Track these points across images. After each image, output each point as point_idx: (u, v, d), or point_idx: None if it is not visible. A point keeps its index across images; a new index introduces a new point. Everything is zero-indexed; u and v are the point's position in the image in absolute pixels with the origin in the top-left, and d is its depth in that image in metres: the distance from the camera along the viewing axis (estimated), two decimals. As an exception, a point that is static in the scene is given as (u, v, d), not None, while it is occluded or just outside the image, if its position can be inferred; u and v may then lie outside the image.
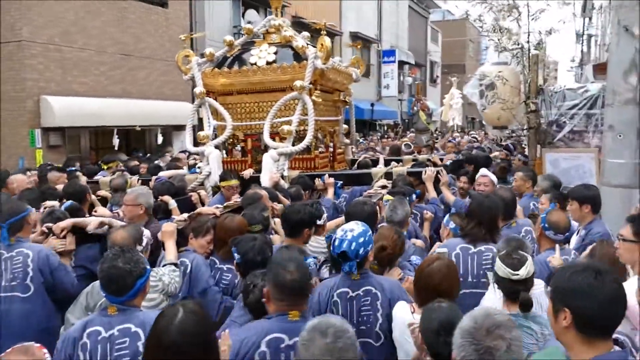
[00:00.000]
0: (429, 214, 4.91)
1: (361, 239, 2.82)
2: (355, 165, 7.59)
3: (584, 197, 4.47)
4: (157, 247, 3.68)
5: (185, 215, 3.89)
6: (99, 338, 2.46)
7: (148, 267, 2.64)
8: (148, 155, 11.74)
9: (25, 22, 10.99)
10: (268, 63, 6.36)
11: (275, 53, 6.48)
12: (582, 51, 26.07)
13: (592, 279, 1.79)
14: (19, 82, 11.07)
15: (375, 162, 7.53)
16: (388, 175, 5.77)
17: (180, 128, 15.21)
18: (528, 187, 5.69)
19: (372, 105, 25.25)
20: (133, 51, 13.58)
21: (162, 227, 3.60)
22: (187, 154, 10.05)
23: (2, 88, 11.20)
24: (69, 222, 3.75)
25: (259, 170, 6.02)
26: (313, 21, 7.52)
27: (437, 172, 5.57)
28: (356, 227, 2.89)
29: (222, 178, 5.69)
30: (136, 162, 9.02)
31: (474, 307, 2.18)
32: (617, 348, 1.84)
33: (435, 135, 18.83)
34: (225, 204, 4.50)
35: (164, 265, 3.28)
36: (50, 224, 3.74)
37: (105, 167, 9.07)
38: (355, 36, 24.59)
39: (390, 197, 4.46)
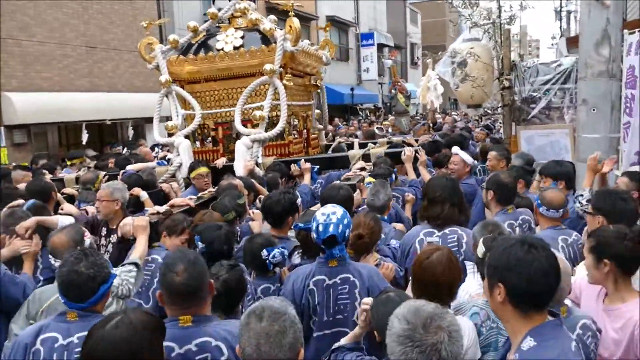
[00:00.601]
0: (410, 196, 4.79)
1: (345, 221, 2.75)
2: (330, 150, 7.42)
3: (557, 174, 4.45)
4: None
5: (159, 208, 3.74)
6: (55, 345, 2.25)
7: (112, 271, 2.46)
8: (124, 148, 11.32)
9: (-20, 16, 10.55)
10: (235, 48, 6.17)
11: (242, 37, 6.29)
12: (561, 27, 25.97)
13: (523, 253, 1.78)
14: (-24, 79, 10.65)
15: (350, 147, 7.32)
16: (366, 157, 5.66)
17: (152, 120, 14.88)
18: (502, 166, 5.47)
19: (352, 89, 24.95)
20: (99, 43, 13.17)
21: (135, 221, 3.39)
22: (157, 147, 9.86)
23: (-41, 86, 10.79)
24: (32, 221, 3.53)
25: (232, 159, 5.84)
26: (278, 1, 7.23)
27: (416, 152, 5.44)
28: (337, 209, 2.79)
29: (191, 168, 5.46)
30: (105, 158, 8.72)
31: None
32: (550, 318, 1.82)
33: (418, 117, 18.64)
34: (199, 195, 4.38)
35: (123, 264, 3.03)
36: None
37: (69, 163, 8.76)
38: (332, 19, 24.19)
39: (371, 179, 4.38)
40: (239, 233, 3.81)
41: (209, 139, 6.57)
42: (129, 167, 6.16)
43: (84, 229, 3.36)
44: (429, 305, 1.74)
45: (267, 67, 5.81)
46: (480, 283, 2.56)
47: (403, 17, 35.65)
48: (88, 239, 3.27)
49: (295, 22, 6.01)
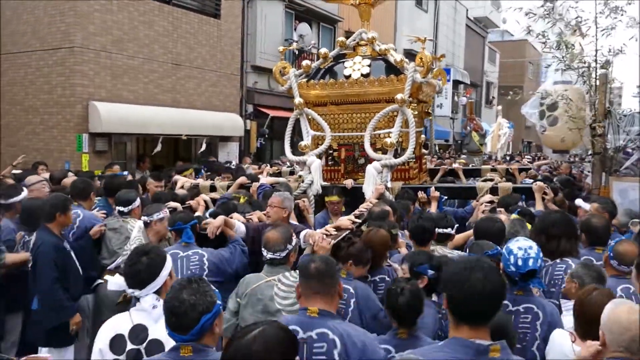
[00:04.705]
0: None
1: (540, 254, 2.96)
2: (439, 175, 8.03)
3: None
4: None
5: (332, 230, 3.86)
6: None
7: (219, 302, 2.25)
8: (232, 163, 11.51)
9: (79, 28, 11.11)
10: (363, 75, 6.57)
11: (369, 65, 6.65)
12: (650, 76, 24.68)
13: (462, 271, 2.05)
14: (69, 87, 11.18)
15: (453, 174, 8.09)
16: (493, 190, 5.95)
17: (226, 139, 15.18)
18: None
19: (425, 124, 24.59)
20: (184, 61, 13.59)
21: (316, 241, 3.59)
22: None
23: (52, 93, 11.37)
24: (220, 220, 4.07)
25: (354, 179, 6.39)
26: (410, 36, 7.60)
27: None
28: (532, 244, 2.99)
29: (326, 192, 5.96)
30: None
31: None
32: (482, 342, 1.99)
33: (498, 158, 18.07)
34: (354, 217, 4.47)
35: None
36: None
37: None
38: (408, 54, 24.12)
39: (516, 216, 4.58)
40: (389, 258, 4.02)
41: (330, 158, 6.96)
42: (263, 181, 6.47)
43: (292, 230, 3.66)
44: None
45: (399, 96, 6.15)
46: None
47: (481, 55, 35.13)
48: (295, 239, 3.56)
49: (427, 55, 6.34)
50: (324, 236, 3.63)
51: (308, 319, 2.48)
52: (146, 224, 4.34)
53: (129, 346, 2.50)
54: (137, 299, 2.62)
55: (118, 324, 2.60)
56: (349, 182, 6.21)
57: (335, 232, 3.79)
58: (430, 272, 3.14)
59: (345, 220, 4.15)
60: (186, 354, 2.11)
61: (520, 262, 2.85)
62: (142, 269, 2.60)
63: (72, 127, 11.21)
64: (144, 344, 2.50)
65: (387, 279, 3.64)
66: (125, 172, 8.48)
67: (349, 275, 3.39)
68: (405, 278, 2.88)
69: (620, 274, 3.48)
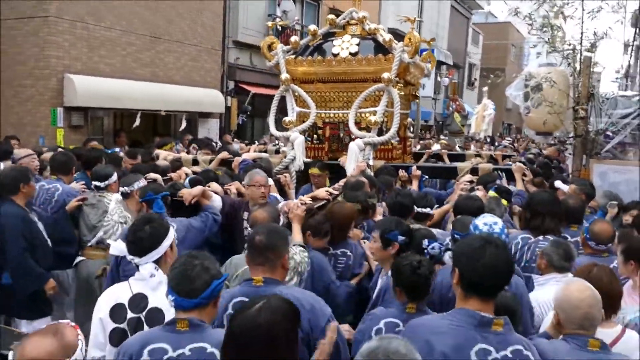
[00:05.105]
0: (517, 209, 4.90)
1: (505, 230, 3.07)
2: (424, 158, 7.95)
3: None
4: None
5: (307, 199, 3.93)
6: (164, 358, 2.10)
7: (224, 273, 2.38)
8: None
9: (53, -3, 10.71)
10: (351, 54, 6.55)
11: (358, 44, 6.64)
12: (629, 62, 24.94)
13: (477, 247, 2.14)
14: (43, 59, 10.81)
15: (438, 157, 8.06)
16: (474, 171, 6.01)
17: (207, 116, 14.94)
18: None
19: (406, 104, 24.54)
20: (163, 34, 13.27)
21: (291, 208, 3.65)
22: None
23: (26, 64, 10.96)
24: (199, 189, 4.14)
25: (334, 158, 6.45)
26: (400, 16, 7.54)
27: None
28: (497, 220, 3.10)
29: (307, 167, 5.97)
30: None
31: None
32: (486, 315, 2.10)
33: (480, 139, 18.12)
34: (333, 189, 4.53)
35: (294, 245, 3.26)
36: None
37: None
38: (393, 32, 23.90)
39: (493, 193, 4.66)
40: (365, 228, 4.11)
41: (315, 136, 6.91)
42: (245, 156, 6.45)
43: (279, 211, 3.76)
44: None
45: (385, 75, 6.14)
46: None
47: (465, 36, 35.03)
48: (282, 218, 3.65)
49: (415, 36, 6.34)
50: (299, 204, 3.69)
51: (254, 288, 2.49)
52: (126, 195, 4.39)
53: (130, 315, 2.52)
54: (137, 267, 2.64)
55: (117, 293, 2.60)
56: (343, 159, 6.19)
57: (311, 202, 3.87)
58: (401, 238, 3.16)
59: (322, 191, 4.25)
60: (182, 327, 2.11)
61: None
62: (144, 237, 2.61)
63: (46, 101, 10.88)
64: (144, 312, 2.52)
65: (349, 253, 3.70)
66: (117, 149, 8.26)
67: (307, 246, 3.45)
68: (411, 253, 2.85)
69: (597, 252, 3.62)
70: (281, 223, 3.59)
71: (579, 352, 2.23)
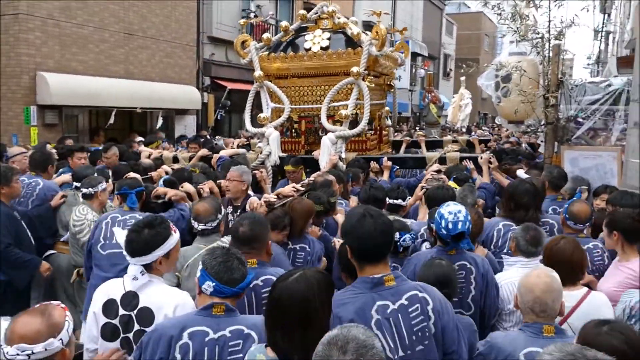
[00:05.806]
0: (480, 201, 4.85)
1: (469, 217, 3.14)
2: (403, 147, 8.10)
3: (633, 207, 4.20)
4: None
5: (271, 197, 4.02)
6: (206, 339, 2.20)
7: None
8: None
9: (23, -6, 10.56)
10: (322, 48, 6.66)
11: (329, 39, 6.75)
12: (600, 48, 25.41)
13: (355, 221, 2.29)
14: (14, 57, 10.67)
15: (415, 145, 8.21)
16: (442, 160, 6.12)
17: (183, 112, 14.86)
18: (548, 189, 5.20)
19: (383, 96, 24.68)
20: (137, 30, 13.16)
21: (254, 207, 3.78)
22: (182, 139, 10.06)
23: (-3, 62, 10.82)
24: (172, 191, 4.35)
25: (310, 150, 6.52)
26: (368, 10, 7.62)
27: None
28: (461, 208, 3.16)
29: (282, 162, 6.08)
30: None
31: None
32: (376, 275, 2.25)
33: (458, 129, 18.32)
34: (300, 185, 4.70)
35: None
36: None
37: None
38: (368, 26, 24.00)
39: (455, 185, 4.71)
40: (324, 225, 4.22)
41: (293, 130, 7.00)
42: (222, 153, 6.58)
43: (220, 202, 3.87)
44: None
45: (354, 69, 6.25)
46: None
47: (439, 27, 35.29)
48: (223, 210, 3.78)
49: (382, 29, 6.40)
50: (262, 203, 3.82)
51: (251, 269, 2.59)
52: (89, 196, 4.47)
53: (121, 311, 2.54)
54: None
55: (111, 289, 2.62)
56: (316, 153, 6.30)
57: (276, 199, 3.99)
58: None
59: (287, 188, 4.34)
60: (218, 312, 2.24)
61: (450, 225, 3.07)
62: (137, 240, 2.59)
63: (19, 99, 10.75)
64: (135, 311, 2.53)
65: (308, 249, 3.75)
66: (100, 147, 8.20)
67: None
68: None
69: (575, 231, 3.77)
70: (223, 213, 3.74)
71: (533, 339, 2.28)
